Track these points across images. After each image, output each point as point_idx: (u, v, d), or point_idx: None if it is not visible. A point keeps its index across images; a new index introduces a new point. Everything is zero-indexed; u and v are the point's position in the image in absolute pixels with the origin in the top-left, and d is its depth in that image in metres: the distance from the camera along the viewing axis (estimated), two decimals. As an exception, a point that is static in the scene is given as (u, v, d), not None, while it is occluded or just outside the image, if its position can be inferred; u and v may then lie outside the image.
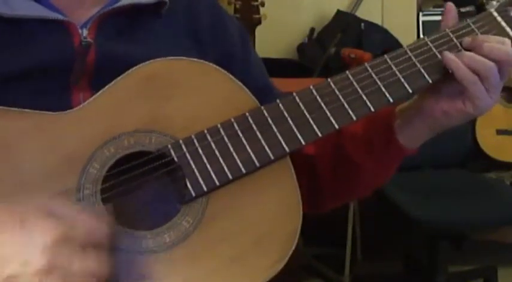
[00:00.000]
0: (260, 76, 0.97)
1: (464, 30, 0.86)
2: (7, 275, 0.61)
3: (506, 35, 0.87)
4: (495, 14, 0.88)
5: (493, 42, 0.82)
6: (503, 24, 0.87)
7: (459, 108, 0.83)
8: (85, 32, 0.83)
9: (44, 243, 0.62)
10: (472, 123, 2.77)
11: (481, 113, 0.83)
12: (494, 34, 0.86)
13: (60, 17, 0.82)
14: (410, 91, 0.83)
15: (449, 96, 0.84)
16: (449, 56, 0.82)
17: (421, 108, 0.86)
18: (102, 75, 0.80)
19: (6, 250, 0.62)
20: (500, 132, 2.82)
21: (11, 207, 0.65)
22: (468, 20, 0.87)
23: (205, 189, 0.76)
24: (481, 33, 0.86)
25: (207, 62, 0.83)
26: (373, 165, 0.90)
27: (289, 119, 0.80)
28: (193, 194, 0.76)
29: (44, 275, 0.61)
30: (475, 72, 0.81)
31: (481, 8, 0.94)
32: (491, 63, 0.81)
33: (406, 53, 0.84)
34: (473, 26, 0.86)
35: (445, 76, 0.84)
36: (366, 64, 0.83)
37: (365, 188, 0.96)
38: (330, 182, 0.94)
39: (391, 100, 0.82)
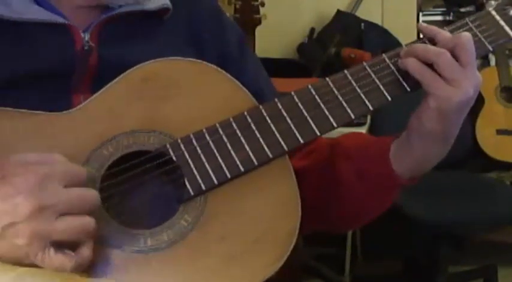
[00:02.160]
0: (255, 81, 0.95)
1: (462, 29, 0.86)
2: (1, 227, 0.63)
3: (505, 33, 0.87)
4: (493, 13, 0.88)
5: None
6: (502, 23, 0.87)
7: (424, 106, 0.80)
8: (87, 36, 0.83)
9: (28, 187, 0.64)
10: (472, 123, 2.77)
11: (448, 105, 0.79)
12: (493, 33, 0.86)
13: (62, 20, 0.82)
14: (408, 89, 0.83)
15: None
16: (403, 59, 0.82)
17: (407, 127, 0.84)
18: (103, 79, 0.80)
19: None
20: (500, 132, 2.81)
21: None
22: (467, 18, 0.87)
23: (203, 188, 0.76)
24: (479, 32, 0.86)
25: (205, 62, 0.83)
26: (363, 190, 0.87)
27: (287, 117, 0.80)
28: (192, 193, 0.76)
29: (35, 216, 0.63)
30: (428, 61, 0.80)
31: (481, 8, 0.95)
32: (441, 49, 0.80)
33: None
34: (471, 25, 0.86)
35: None
36: (364, 63, 0.83)
37: (349, 214, 0.92)
38: (314, 199, 0.89)
39: (389, 99, 0.82)
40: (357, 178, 0.87)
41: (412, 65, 0.81)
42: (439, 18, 3.10)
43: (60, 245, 0.65)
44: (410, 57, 0.81)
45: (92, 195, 0.68)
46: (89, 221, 0.67)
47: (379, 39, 2.88)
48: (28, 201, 0.63)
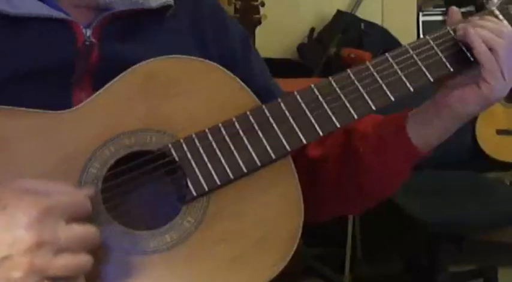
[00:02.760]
0: (262, 77, 0.96)
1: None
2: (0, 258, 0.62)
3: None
4: (497, 12, 0.88)
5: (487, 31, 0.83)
6: (505, 22, 0.87)
7: (475, 91, 0.83)
8: (88, 32, 0.83)
9: (28, 221, 0.63)
10: (472, 123, 2.77)
11: (496, 96, 0.83)
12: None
13: (64, 16, 0.82)
14: (412, 89, 0.83)
15: (463, 83, 0.84)
16: (471, 31, 0.83)
17: (435, 100, 0.86)
18: (104, 76, 0.80)
19: None
20: (500, 132, 2.81)
21: None
22: (470, 18, 0.87)
23: (206, 188, 0.76)
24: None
25: (208, 61, 0.83)
26: (383, 167, 0.89)
27: (290, 118, 0.80)
28: (194, 194, 0.75)
29: (33, 251, 0.63)
30: (490, 47, 0.82)
31: (480, 8, 0.95)
32: (500, 39, 0.82)
33: (407, 51, 0.84)
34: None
35: (448, 74, 0.84)
36: (368, 63, 0.83)
37: (370, 194, 0.94)
38: (334, 186, 0.92)
39: (392, 99, 0.82)
40: (376, 155, 0.89)
41: (484, 49, 0.82)
42: (439, 18, 3.10)
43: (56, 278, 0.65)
44: (478, 38, 0.83)
45: (92, 233, 0.68)
46: (86, 260, 0.66)
47: (379, 39, 2.88)
48: (27, 235, 0.63)
